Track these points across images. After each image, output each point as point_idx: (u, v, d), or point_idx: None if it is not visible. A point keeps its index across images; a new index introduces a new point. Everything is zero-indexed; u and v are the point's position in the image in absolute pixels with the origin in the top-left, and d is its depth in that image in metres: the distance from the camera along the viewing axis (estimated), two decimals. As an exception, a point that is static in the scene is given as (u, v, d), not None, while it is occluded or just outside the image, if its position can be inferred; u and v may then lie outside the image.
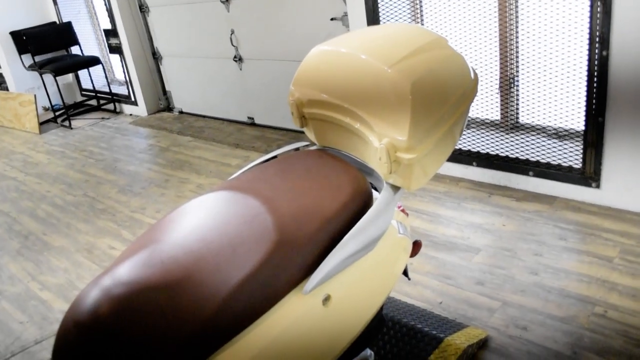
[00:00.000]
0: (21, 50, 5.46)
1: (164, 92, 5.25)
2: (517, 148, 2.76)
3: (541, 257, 2.24)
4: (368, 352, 1.49)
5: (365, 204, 1.22)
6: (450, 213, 2.68)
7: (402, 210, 1.46)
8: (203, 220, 1.13)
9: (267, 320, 1.04)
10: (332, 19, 3.39)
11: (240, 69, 4.30)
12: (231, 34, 4.18)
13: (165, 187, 3.58)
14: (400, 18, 2.98)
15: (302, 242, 1.10)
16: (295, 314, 1.07)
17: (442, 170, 3.06)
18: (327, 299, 1.12)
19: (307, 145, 1.50)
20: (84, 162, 4.32)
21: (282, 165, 1.32)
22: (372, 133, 1.22)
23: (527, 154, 2.73)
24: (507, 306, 2.00)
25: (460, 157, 2.94)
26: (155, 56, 5.07)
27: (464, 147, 2.93)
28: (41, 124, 5.56)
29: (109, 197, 3.58)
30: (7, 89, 6.03)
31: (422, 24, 3.03)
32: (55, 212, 3.49)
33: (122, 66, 5.19)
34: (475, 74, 1.34)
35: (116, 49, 5.14)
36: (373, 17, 3.02)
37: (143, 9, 4.90)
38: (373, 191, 1.37)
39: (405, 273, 1.67)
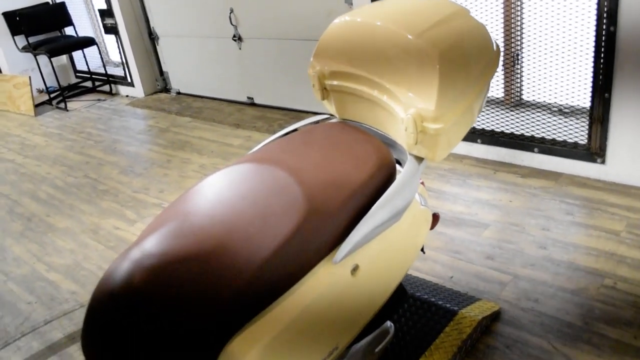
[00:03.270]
0: (14, 32, 5.38)
1: (161, 72, 5.20)
2: (521, 125, 2.77)
3: (549, 231, 2.26)
4: (388, 324, 1.51)
5: (390, 175, 1.23)
6: (456, 190, 2.69)
7: (421, 183, 1.47)
8: (231, 191, 1.13)
9: (298, 290, 1.05)
10: (334, -3, 3.36)
11: (240, 49, 4.26)
12: (230, 13, 4.13)
13: (167, 168, 3.56)
14: None
15: (331, 212, 1.10)
16: (325, 283, 1.07)
17: (447, 147, 3.07)
18: (355, 269, 1.13)
19: (327, 118, 1.49)
20: (82, 144, 4.29)
21: (305, 137, 1.31)
22: (398, 104, 1.22)
23: (532, 131, 2.74)
24: (517, 279, 2.02)
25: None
26: (152, 36, 5.02)
27: (469, 124, 2.93)
28: (36, 106, 5.49)
29: (110, 178, 3.56)
30: (0, 71, 5.95)
31: None
32: (57, 193, 3.47)
33: (118, 47, 5.13)
34: (498, 46, 1.34)
35: (112, 29, 5.07)
36: (377, -6, 3.00)
37: (138, -12, 4.84)
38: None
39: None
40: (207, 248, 0.99)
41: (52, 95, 5.54)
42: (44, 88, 5.63)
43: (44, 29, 5.43)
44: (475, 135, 2.92)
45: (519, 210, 2.44)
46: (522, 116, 2.78)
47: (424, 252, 1.79)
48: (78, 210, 3.19)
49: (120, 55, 5.17)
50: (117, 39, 5.09)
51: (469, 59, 1.23)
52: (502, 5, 2.72)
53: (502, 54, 2.80)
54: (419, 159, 1.27)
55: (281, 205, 1.08)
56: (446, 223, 2.43)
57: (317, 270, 1.08)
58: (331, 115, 1.50)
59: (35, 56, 5.28)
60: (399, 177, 1.21)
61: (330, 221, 1.10)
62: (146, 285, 0.94)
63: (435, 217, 1.51)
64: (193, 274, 0.96)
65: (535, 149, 2.72)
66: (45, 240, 2.92)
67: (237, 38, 4.22)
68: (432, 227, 1.53)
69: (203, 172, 3.42)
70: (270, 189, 1.11)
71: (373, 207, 1.14)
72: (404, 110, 1.20)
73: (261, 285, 0.99)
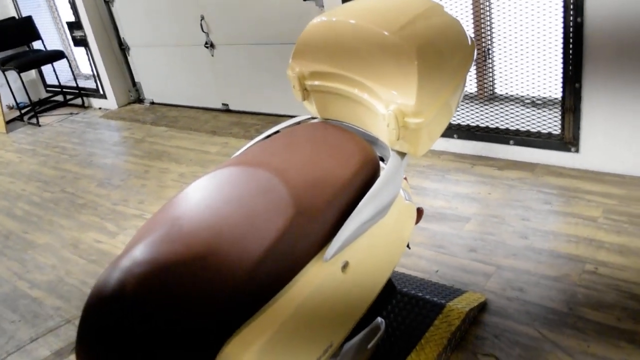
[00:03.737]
0: (-19, 47, 5.28)
1: (134, 83, 5.15)
2: (496, 118, 2.82)
3: (529, 221, 2.30)
4: (379, 320, 1.52)
5: (374, 171, 1.24)
6: (436, 185, 2.73)
7: (404, 178, 1.49)
8: (216, 196, 1.13)
9: (291, 289, 1.05)
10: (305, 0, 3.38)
11: (212, 55, 4.25)
12: (201, 20, 4.12)
13: (145, 178, 3.53)
14: None
15: (319, 211, 1.11)
16: (318, 281, 1.08)
17: (424, 144, 3.10)
18: (345, 266, 1.14)
19: (308, 119, 1.51)
20: (57, 159, 4.23)
21: (288, 138, 1.32)
22: (378, 100, 1.24)
23: (507, 124, 2.79)
24: (501, 270, 2.05)
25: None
26: (122, 47, 4.97)
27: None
28: (7, 122, 5.40)
29: (88, 191, 3.52)
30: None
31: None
32: (34, 209, 3.41)
33: (89, 59, 5.07)
34: (472, 40, 1.37)
35: (81, 42, 5.01)
36: (348, -4, 3.02)
37: (107, -1, 4.80)
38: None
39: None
40: (196, 253, 0.99)
41: (22, 111, 5.45)
42: (14, 104, 5.54)
43: (12, 44, 5.34)
44: (451, 130, 2.96)
45: (498, 202, 2.48)
46: (496, 110, 2.83)
47: (409, 248, 1.81)
48: (57, 225, 3.15)
49: (91, 67, 5.11)
50: (87, 51, 5.03)
51: (446, 54, 1.25)
52: (471, 1, 2.76)
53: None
54: (402, 155, 1.29)
55: (268, 206, 1.08)
56: (428, 219, 2.46)
57: (309, 269, 1.09)
58: (312, 116, 1.51)
59: (3, 72, 5.20)
60: (383, 173, 1.22)
61: (318, 220, 1.11)
62: (138, 290, 0.93)
63: (420, 212, 1.53)
64: (184, 278, 0.96)
65: (511, 141, 2.77)
66: (25, 258, 2.87)
67: (209, 45, 4.21)
68: (417, 222, 1.55)
69: (183, 180, 3.40)
70: (255, 191, 1.12)
71: (360, 204, 1.16)
72: (385, 106, 1.22)
73: (253, 287, 1.00)
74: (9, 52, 5.39)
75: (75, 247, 2.87)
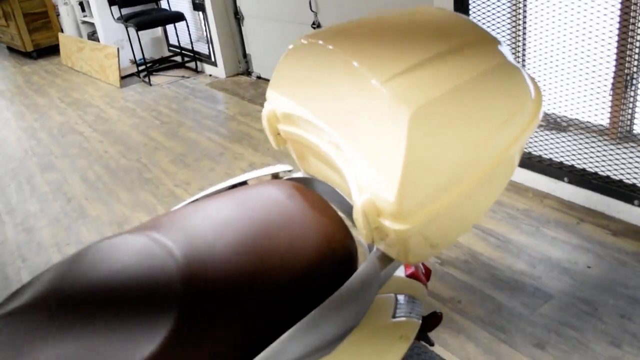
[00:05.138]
0: (111, 2, 5.39)
1: (244, 54, 4.97)
2: (623, 167, 2.17)
3: (630, 322, 1.70)
4: None
5: (343, 267, 0.83)
6: (524, 239, 2.17)
7: (416, 276, 1.03)
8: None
9: None
10: (415, -12, 2.89)
11: (318, 37, 3.89)
12: (310, -2, 3.77)
13: (217, 162, 3.31)
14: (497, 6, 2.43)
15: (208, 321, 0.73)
16: None
17: (525, 181, 2.52)
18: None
19: (290, 171, 1.10)
20: (149, 124, 4.17)
21: (243, 197, 0.94)
22: (353, 175, 0.81)
23: (636, 177, 2.13)
24: (570, 388, 1.51)
25: (549, 168, 2.39)
26: (237, 16, 4.79)
27: (555, 157, 2.37)
28: (124, 77, 5.52)
29: (159, 166, 3.38)
30: (98, 39, 6.06)
31: (524, 11, 2.45)
32: (105, 175, 3.35)
33: (205, 24, 4.96)
34: (538, 92, 0.87)
35: (199, 6, 4.91)
36: (461, -12, 2.49)
37: (228, -36, 4.61)
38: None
39: (424, 338, 1.26)
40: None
41: (139, 68, 5.52)
42: (139, 59, 5.64)
43: (139, 1, 5.40)
44: (562, 171, 2.35)
45: (597, 283, 1.89)
46: (626, 156, 2.18)
47: (432, 344, 1.35)
48: (115, 197, 3.03)
49: (206, 33, 5.01)
50: (203, 16, 4.92)
51: (474, 120, 0.78)
52: (618, 16, 2.12)
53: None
54: (384, 260, 0.85)
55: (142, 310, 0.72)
56: (499, 284, 1.94)
57: None
58: (290, 170, 1.11)
59: (126, 28, 5.27)
60: (337, 292, 0.80)
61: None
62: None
63: (435, 319, 1.08)
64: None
65: (636, 201, 2.12)
66: (72, 228, 2.78)
67: (317, 25, 3.85)
68: (430, 329, 1.10)
69: (250, 170, 3.13)
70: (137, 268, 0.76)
71: (289, 331, 0.75)
72: (358, 189, 0.79)
73: None
74: (137, 8, 5.47)
75: (119, 227, 2.72)
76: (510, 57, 0.86)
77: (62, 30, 7.22)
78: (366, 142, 0.78)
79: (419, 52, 0.79)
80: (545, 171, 2.41)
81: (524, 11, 2.46)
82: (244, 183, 1.08)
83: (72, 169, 3.53)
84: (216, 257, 0.81)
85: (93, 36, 6.39)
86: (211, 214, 0.89)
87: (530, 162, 2.46)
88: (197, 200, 1.03)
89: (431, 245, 0.81)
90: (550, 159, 2.38)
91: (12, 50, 8.14)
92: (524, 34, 2.51)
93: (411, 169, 0.72)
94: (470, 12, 2.49)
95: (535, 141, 2.45)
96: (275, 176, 1.10)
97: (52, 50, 7.32)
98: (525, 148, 2.49)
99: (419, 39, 0.84)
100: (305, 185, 0.98)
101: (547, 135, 2.43)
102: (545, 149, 2.41)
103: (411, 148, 0.71)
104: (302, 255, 0.82)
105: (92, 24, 6.47)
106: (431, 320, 1.08)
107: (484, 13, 2.47)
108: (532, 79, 0.88)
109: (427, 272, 1.15)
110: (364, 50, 0.82)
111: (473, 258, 2.09)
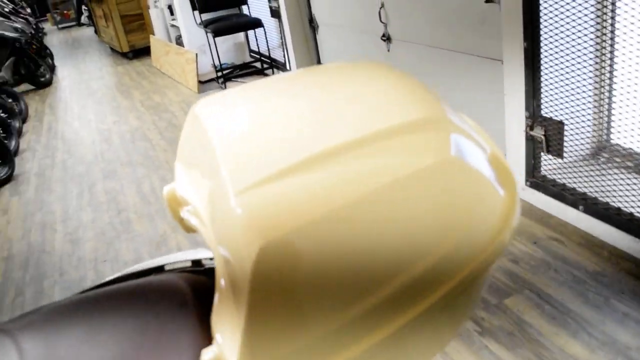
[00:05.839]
0: (195, 6, 5.43)
1: (319, 62, 4.81)
2: None
3: None
4: None
5: None
6: (588, 313, 1.81)
7: None
8: None
9: None
10: (487, 1, 2.55)
11: (388, 50, 3.64)
12: (380, 8, 3.52)
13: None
14: (577, 5, 2.05)
15: None
16: None
17: (600, 234, 2.13)
18: None
19: (211, 259, 0.90)
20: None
21: (130, 296, 0.75)
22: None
23: None
24: None
25: (630, 221, 1.99)
26: (312, 24, 4.63)
27: (637, 206, 1.97)
28: (204, 82, 5.55)
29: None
30: (182, 44, 6.15)
31: (613, 10, 2.05)
32: (159, 189, 3.32)
33: (280, 31, 4.85)
34: (514, 207, 0.60)
35: (275, 13, 4.80)
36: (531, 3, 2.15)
37: (306, -30, 4.46)
38: None
39: None
40: None
41: (218, 74, 5.53)
42: (218, 65, 5.66)
43: (219, 6, 5.39)
44: (645, 229, 1.96)
45: (672, 383, 1.51)
46: None
47: None
48: (162, 214, 2.98)
49: (281, 40, 4.90)
50: (279, 23, 4.82)
51: (380, 258, 0.52)
52: None
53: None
54: None
55: None
56: (545, 368, 1.62)
57: None
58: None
59: (206, 33, 5.28)
60: None
61: None
62: None
63: None
64: None
65: None
66: (114, 243, 2.75)
67: (387, 38, 3.60)
68: None
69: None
70: None
71: None
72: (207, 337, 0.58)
73: None
74: (219, 13, 5.47)
75: (157, 247, 2.65)
76: (473, 164, 0.60)
77: (153, 33, 7.45)
78: (218, 270, 0.58)
79: (319, 141, 0.55)
80: (623, 224, 2.02)
81: (613, 10, 2.03)
82: (160, 268, 0.89)
83: (131, 178, 3.54)
84: None
85: (179, 40, 6.51)
86: (89, 313, 0.72)
87: (607, 212, 2.07)
88: (97, 286, 0.85)
89: None
90: (632, 213, 1.99)
91: (113, 50, 8.55)
92: (612, 44, 2.09)
93: (254, 329, 0.50)
94: (541, 15, 2.14)
95: (614, 188, 2.06)
96: (197, 263, 0.90)
97: (146, 51, 7.58)
98: (604, 197, 2.10)
99: (331, 119, 0.60)
100: (208, 279, 0.78)
101: (629, 179, 2.03)
102: (628, 199, 2.01)
103: (253, 301, 0.49)
104: None
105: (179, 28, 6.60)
106: None
107: (556, 15, 2.10)
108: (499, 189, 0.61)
109: None
110: (246, 135, 0.60)
111: (520, 330, 1.77)
